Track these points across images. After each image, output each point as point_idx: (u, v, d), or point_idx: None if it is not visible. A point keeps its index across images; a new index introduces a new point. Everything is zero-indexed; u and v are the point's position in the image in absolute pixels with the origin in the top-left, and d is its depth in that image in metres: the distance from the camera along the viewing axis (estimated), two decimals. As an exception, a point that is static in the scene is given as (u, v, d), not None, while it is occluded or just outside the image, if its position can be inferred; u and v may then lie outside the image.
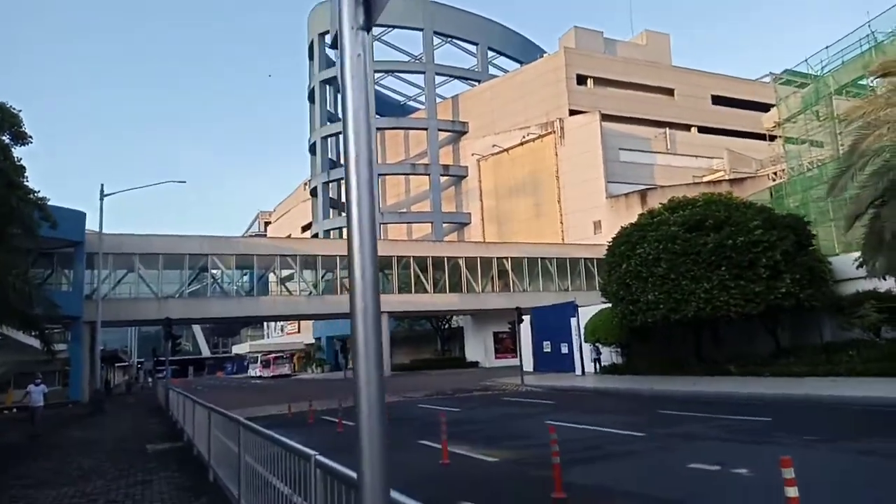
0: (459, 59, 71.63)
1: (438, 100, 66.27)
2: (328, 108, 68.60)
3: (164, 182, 50.47)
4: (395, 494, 2.16)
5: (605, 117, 53.69)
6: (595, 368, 29.01)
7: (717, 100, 62.73)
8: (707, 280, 22.24)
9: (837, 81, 36.65)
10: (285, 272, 44.00)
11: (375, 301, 1.92)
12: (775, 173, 50.33)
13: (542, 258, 48.31)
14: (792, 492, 4.60)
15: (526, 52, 71.31)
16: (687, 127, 60.43)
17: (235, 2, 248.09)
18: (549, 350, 33.37)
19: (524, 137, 57.67)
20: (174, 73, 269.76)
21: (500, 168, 60.56)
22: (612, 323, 26.99)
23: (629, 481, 7.71)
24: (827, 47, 36.61)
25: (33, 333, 20.83)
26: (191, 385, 47.10)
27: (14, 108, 20.86)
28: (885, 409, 12.86)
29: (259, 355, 75.73)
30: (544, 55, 66.38)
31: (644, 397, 19.03)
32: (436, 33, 66.42)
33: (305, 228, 75.78)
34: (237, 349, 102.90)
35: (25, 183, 21.35)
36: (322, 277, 44.57)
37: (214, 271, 40.08)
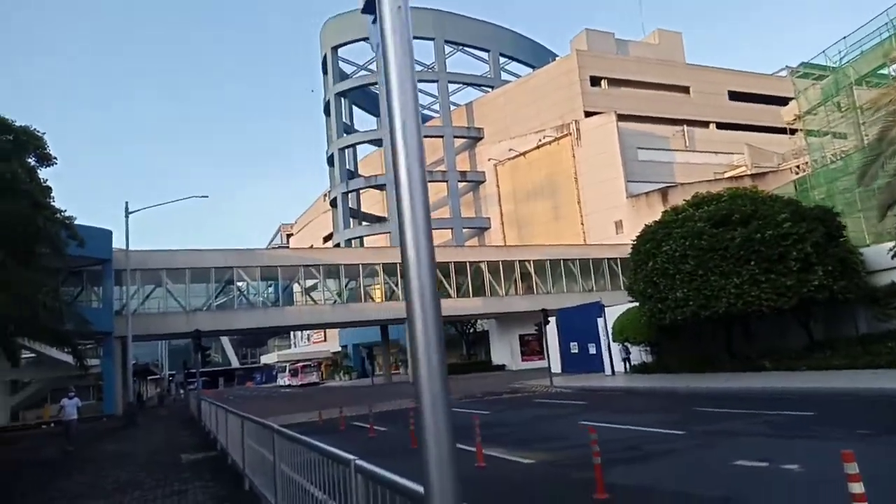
0: (471, 66, 71.82)
1: (453, 107, 66.37)
2: (344, 119, 69.04)
3: (186, 198, 50.94)
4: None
5: (622, 117, 53.24)
6: (625, 368, 28.63)
7: (734, 95, 61.86)
8: (737, 275, 21.82)
9: (857, 71, 35.93)
10: (309, 282, 44.23)
11: (434, 303, 1.79)
12: (798, 166, 49.45)
13: (564, 259, 47.95)
14: (857, 488, 4.38)
15: (537, 56, 71.19)
16: (705, 124, 59.66)
17: (248, 19, 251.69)
18: (576, 351, 33.03)
19: (540, 141, 57.42)
20: (191, 89, 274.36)
21: (517, 172, 60.36)
22: (640, 322, 26.61)
23: (672, 480, 7.50)
24: (844, 37, 35.95)
25: (66, 350, 21.11)
26: (222, 395, 47.47)
27: (38, 131, 21.27)
28: (933, 400, 12.43)
29: (287, 364, 76.25)
30: (556, 58, 66.19)
31: (678, 395, 18.68)
32: (447, 42, 66.58)
33: (327, 239, 76.25)
34: (265, 359, 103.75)
35: (51, 203, 21.76)
36: (346, 286, 44.73)
37: (240, 284, 40.45)
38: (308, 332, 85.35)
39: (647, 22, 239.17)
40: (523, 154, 58.99)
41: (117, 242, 33.68)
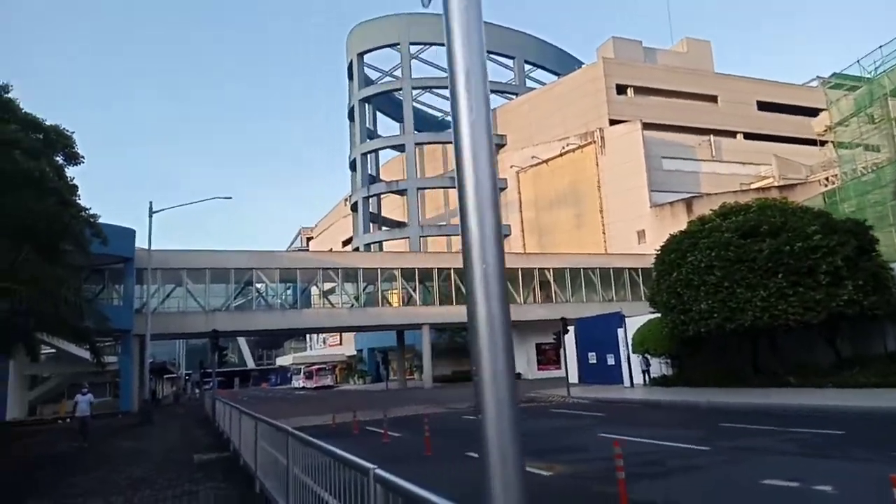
0: (496, 73, 71.60)
1: (476, 113, 66.16)
2: (367, 125, 69.32)
3: (210, 199, 51.51)
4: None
5: (647, 126, 52.64)
6: (644, 380, 28.09)
7: (763, 105, 60.93)
8: (764, 288, 21.27)
9: (893, 82, 35.12)
10: (327, 285, 44.32)
11: (501, 296, 1.48)
12: (827, 178, 48.47)
13: (584, 268, 47.43)
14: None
15: (563, 64, 70.87)
16: (732, 134, 58.80)
17: (274, 23, 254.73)
18: (594, 361, 32.52)
19: (564, 148, 57.00)
20: (217, 92, 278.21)
21: (539, 180, 59.98)
22: (661, 333, 26.09)
23: (699, 498, 7.17)
24: (880, 47, 35.21)
25: (85, 346, 21.24)
26: (237, 396, 47.69)
27: (67, 130, 21.50)
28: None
29: (302, 367, 76.42)
30: (582, 66, 65.81)
31: (700, 409, 18.19)
32: (472, 48, 66.44)
33: (346, 243, 76.50)
34: (281, 361, 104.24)
35: (77, 201, 21.98)
36: (363, 290, 44.69)
37: (259, 285, 40.61)
38: (324, 335, 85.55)
39: (676, 30, 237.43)
40: (546, 161, 58.62)
41: (140, 242, 34.00)
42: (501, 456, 1.35)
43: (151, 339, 32.34)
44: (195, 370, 70.34)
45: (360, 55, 67.35)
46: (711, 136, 56.39)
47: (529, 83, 70.94)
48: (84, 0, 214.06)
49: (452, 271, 44.74)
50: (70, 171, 21.76)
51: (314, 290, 45.67)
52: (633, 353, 28.67)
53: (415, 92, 68.26)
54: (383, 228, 69.46)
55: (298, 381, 73.72)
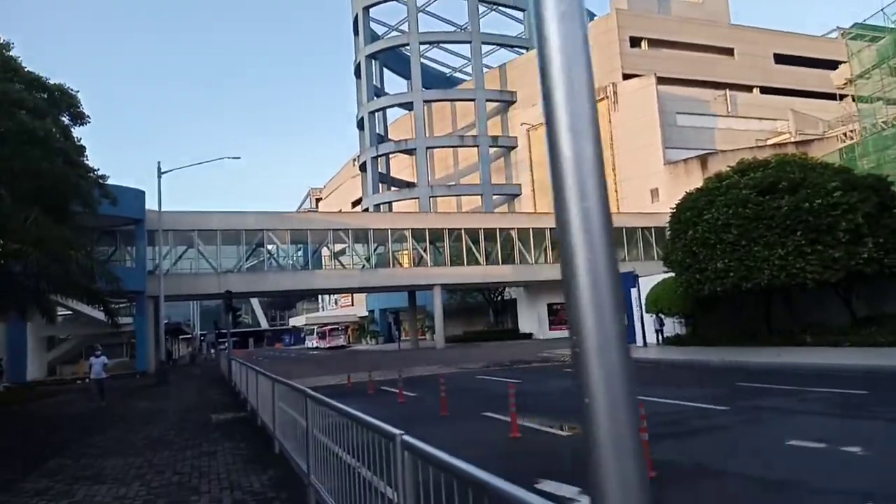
0: (505, 26, 69.98)
1: (485, 70, 64.80)
2: (374, 82, 68.07)
3: (218, 158, 51.22)
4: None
5: (661, 80, 51.28)
6: (657, 339, 28.05)
7: (781, 58, 59.12)
8: (781, 246, 20.92)
9: (919, 32, 33.85)
10: (338, 246, 44.25)
11: (608, 251, 1.14)
12: (845, 134, 47.31)
13: (596, 228, 46.94)
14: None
15: (576, 16, 68.73)
16: (749, 88, 57.29)
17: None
18: (606, 321, 32.44)
19: (576, 104, 55.78)
20: (219, 53, 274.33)
21: (550, 137, 58.96)
22: (675, 293, 25.88)
23: (723, 459, 7.05)
24: (906, -5, 33.73)
25: (99, 307, 21.36)
26: (251, 356, 48.32)
27: (72, 89, 21.13)
28: None
29: (315, 327, 77.26)
30: (595, 18, 63.91)
31: (716, 368, 18.10)
32: (481, 1, 64.72)
33: (356, 204, 76.19)
34: (294, 321, 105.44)
35: (85, 161, 21.76)
36: (374, 251, 44.63)
37: (270, 246, 40.61)
38: (336, 296, 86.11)
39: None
40: (557, 119, 57.51)
41: (149, 204, 33.91)
42: (615, 448, 1.09)
43: (165, 300, 32.56)
44: (210, 330, 71.27)
45: (366, 9, 65.66)
46: (727, 90, 54.98)
47: (540, 37, 69.02)
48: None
49: (463, 231, 44.49)
50: (76, 132, 21.52)
51: (325, 252, 45.68)
52: (647, 312, 28.54)
53: (422, 48, 66.70)
54: (392, 189, 68.98)
55: (312, 342, 74.65)
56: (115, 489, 7.05)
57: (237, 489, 6.73)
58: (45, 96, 20.19)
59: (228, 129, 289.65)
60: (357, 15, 66.22)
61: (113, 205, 22.54)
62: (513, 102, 63.20)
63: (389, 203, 65.01)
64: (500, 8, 68.01)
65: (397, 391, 15.40)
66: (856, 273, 20.67)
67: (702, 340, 25.21)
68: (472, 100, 62.58)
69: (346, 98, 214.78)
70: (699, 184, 28.54)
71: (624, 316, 1.16)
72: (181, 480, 7.31)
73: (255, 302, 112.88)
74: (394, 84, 75.02)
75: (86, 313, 29.05)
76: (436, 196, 63.18)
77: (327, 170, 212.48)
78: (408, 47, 64.85)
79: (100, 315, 25.37)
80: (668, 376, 17.13)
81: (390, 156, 69.00)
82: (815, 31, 64.73)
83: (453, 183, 66.28)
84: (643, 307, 28.80)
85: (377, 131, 67.53)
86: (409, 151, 65.00)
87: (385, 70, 72.41)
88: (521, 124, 60.82)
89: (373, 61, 67.65)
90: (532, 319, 50.75)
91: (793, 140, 49.92)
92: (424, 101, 63.82)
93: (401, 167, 71.33)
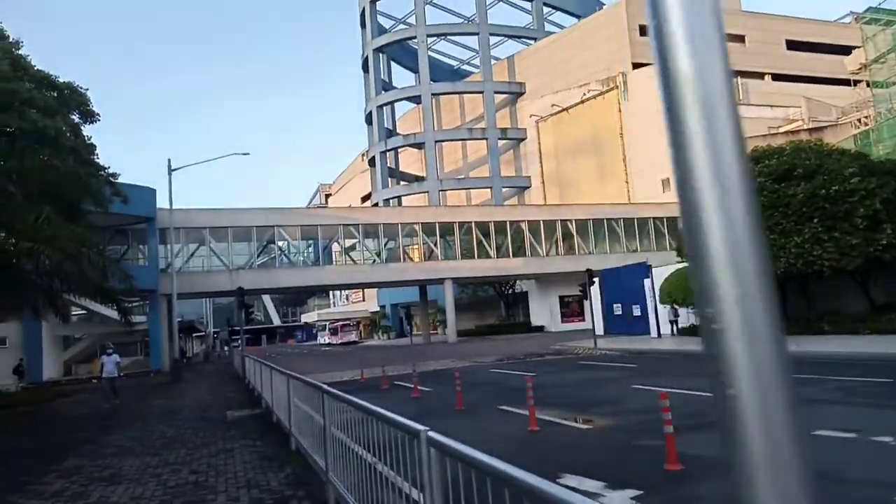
0: (513, 17, 69.47)
1: (493, 61, 64.37)
2: (382, 76, 67.84)
3: (228, 155, 51.44)
4: None
5: (672, 68, 50.60)
6: (672, 330, 27.80)
7: (792, 45, 58.28)
8: (798, 233, 20.64)
9: (936, 14, 33.21)
10: (348, 242, 44.23)
11: (754, 229, 0.90)
12: (859, 120, 46.58)
13: (607, 219, 46.68)
14: None
15: (583, 5, 68.17)
16: (760, 75, 56.49)
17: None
18: (619, 312, 32.22)
19: (585, 95, 55.39)
20: (228, 51, 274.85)
21: (560, 128, 58.59)
22: (690, 282, 25.54)
23: (749, 451, 6.85)
24: (922, -23, 33.05)
25: (112, 306, 21.43)
26: (264, 353, 48.44)
27: (81, 88, 21.13)
28: None
29: (327, 323, 77.44)
30: (603, 7, 63.31)
31: (733, 359, 17.81)
32: (489, -9, 64.33)
33: (365, 199, 76.13)
34: (306, 318, 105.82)
35: (96, 160, 21.77)
36: (385, 246, 44.55)
37: (281, 243, 40.64)
38: (347, 291, 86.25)
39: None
40: (566, 109, 57.13)
41: (160, 203, 34.01)
42: (771, 457, 0.88)
43: (178, 298, 32.69)
44: (223, 328, 71.65)
45: (373, 2, 65.40)
46: (738, 77, 54.19)
47: (548, 27, 68.56)
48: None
49: (473, 224, 44.29)
50: (86, 130, 21.52)
51: (335, 247, 45.67)
52: (661, 303, 28.27)
53: (430, 40, 66.34)
54: (402, 183, 68.82)
55: (324, 338, 74.83)
56: (132, 489, 6.98)
57: (254, 487, 6.65)
58: (55, 95, 20.20)
59: (237, 126, 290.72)
60: (364, 8, 66.00)
61: (124, 203, 22.57)
62: (521, 94, 62.79)
63: (399, 197, 64.89)
64: (507, -2, 67.60)
65: (411, 386, 15.30)
66: (874, 260, 20.36)
67: (717, 330, 24.87)
68: (481, 92, 62.24)
69: (355, 93, 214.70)
70: (712, 172, 28.10)
71: (774, 300, 0.95)
72: (198, 479, 7.24)
73: (266, 299, 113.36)
74: (401, 78, 74.91)
75: (100, 312, 29.21)
76: (445, 190, 62.99)
77: (336, 165, 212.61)
78: (415, 40, 64.52)
79: (113, 314, 25.46)
80: (686, 367, 16.89)
81: (399, 150, 68.83)
82: (828, 17, 63.59)
83: (462, 176, 66.03)
84: (657, 298, 28.54)
85: (385, 126, 67.38)
86: (418, 145, 64.81)
87: (393, 64, 72.17)
88: (531, 116, 60.47)
89: (380, 55, 67.42)
90: (544, 312, 50.53)
91: (805, 127, 49.19)
92: (432, 95, 63.54)
93: (410, 161, 71.15)
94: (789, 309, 24.07)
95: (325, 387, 5.70)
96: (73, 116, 21.02)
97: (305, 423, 7.21)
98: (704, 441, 7.52)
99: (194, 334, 71.03)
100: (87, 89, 21.17)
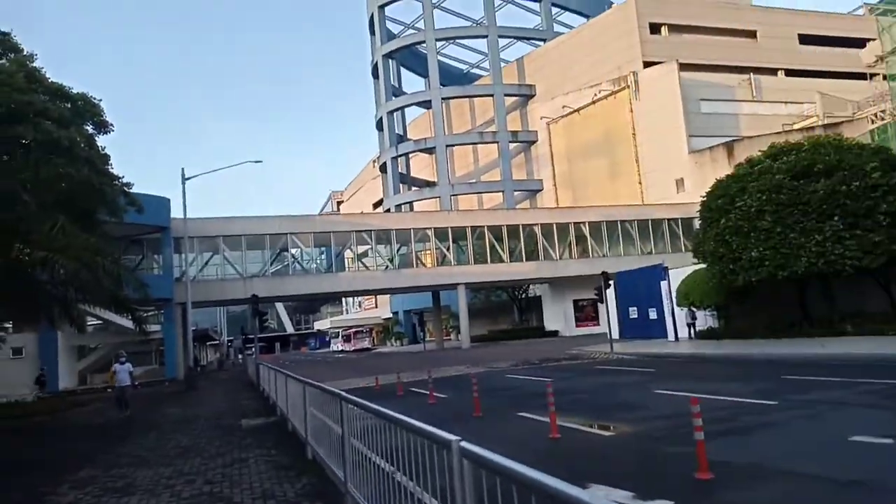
0: (521, 18, 69.26)
1: (503, 64, 64.22)
2: (392, 82, 67.91)
3: (241, 163, 51.54)
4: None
5: (683, 66, 50.17)
6: (689, 334, 27.29)
7: (806, 39, 57.55)
8: (818, 232, 20.21)
9: (954, 4, 32.66)
10: (361, 248, 44.15)
11: None
12: (876, 114, 45.85)
13: (621, 221, 46.25)
14: None
15: (592, 5, 67.91)
16: (773, 71, 55.89)
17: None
18: (635, 316, 31.75)
19: (596, 95, 55.04)
20: (238, 59, 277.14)
21: (571, 130, 58.27)
22: (707, 284, 25.18)
23: (782, 458, 6.59)
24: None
25: (126, 315, 21.44)
26: (278, 360, 48.50)
27: (95, 98, 21.20)
28: None
29: (340, 330, 77.44)
30: (612, 6, 62.95)
31: (756, 361, 17.45)
32: (496, -7, 64.23)
33: (377, 205, 76.17)
34: (319, 325, 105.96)
35: (110, 170, 21.82)
36: (397, 251, 44.44)
37: (294, 250, 40.66)
38: (360, 298, 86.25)
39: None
40: (577, 111, 56.80)
41: (175, 212, 34.15)
42: None
43: (192, 306, 32.75)
44: (237, 336, 71.83)
45: (381, 7, 65.50)
46: (751, 74, 53.70)
47: (557, 28, 68.32)
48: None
49: (486, 229, 44.06)
50: (100, 141, 21.59)
51: (348, 254, 45.63)
52: (678, 306, 27.85)
53: (439, 44, 66.34)
54: (413, 189, 68.76)
55: (337, 345, 74.83)
56: (146, 500, 6.84)
57: (271, 498, 6.47)
58: (69, 106, 20.28)
59: (249, 134, 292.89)
60: (373, 14, 66.15)
61: (139, 212, 22.57)
62: (532, 96, 62.56)
63: (410, 203, 64.81)
64: (515, 0, 67.42)
65: (427, 392, 15.09)
66: (898, 258, 19.89)
67: (737, 333, 24.47)
68: (491, 95, 62.09)
69: (365, 99, 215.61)
70: (725, 172, 27.82)
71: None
72: (212, 490, 7.08)
73: (280, 306, 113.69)
74: (411, 83, 74.89)
75: (115, 322, 29.31)
76: (457, 194, 62.85)
77: (348, 173, 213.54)
78: (424, 45, 64.56)
79: (128, 323, 25.54)
80: (707, 371, 16.56)
81: (410, 155, 68.82)
82: (841, 9, 62.85)
83: (474, 180, 65.85)
84: (674, 300, 28.13)
85: (396, 131, 67.41)
86: (429, 150, 64.73)
87: (402, 69, 72.27)
88: (541, 118, 60.20)
89: (390, 61, 67.52)
90: (558, 316, 50.13)
91: (821, 123, 48.53)
92: (443, 99, 63.49)
93: (421, 166, 71.12)
94: (809, 309, 23.62)
95: (343, 394, 5.52)
96: (88, 127, 21.08)
97: (322, 432, 7.03)
98: (734, 448, 7.27)
99: (208, 343, 71.41)
100: (101, 100, 21.23)
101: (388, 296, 69.64)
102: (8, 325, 23.30)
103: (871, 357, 14.96)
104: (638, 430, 8.99)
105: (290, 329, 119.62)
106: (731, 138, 47.67)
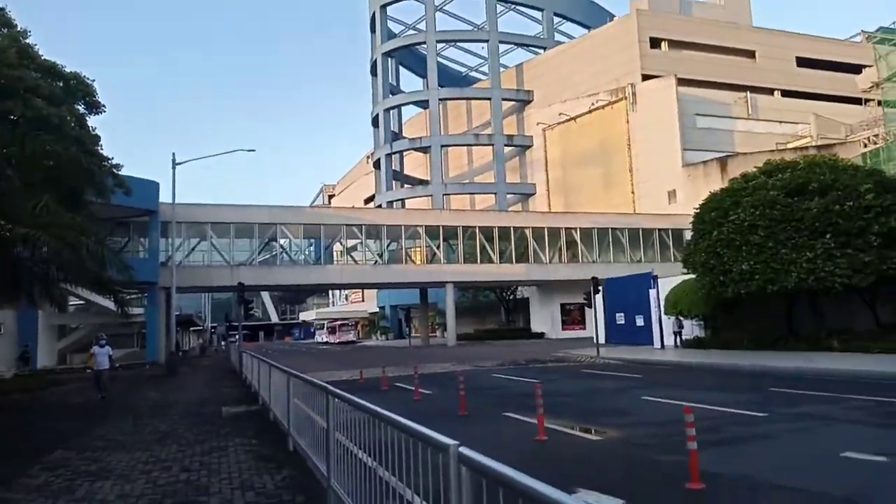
0: (523, 26, 69.24)
1: (502, 69, 64.18)
2: (390, 80, 67.66)
3: (233, 151, 51.12)
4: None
5: (681, 81, 50.48)
6: (675, 342, 27.36)
7: (803, 62, 58.12)
8: (810, 249, 20.28)
9: (948, 36, 33.04)
10: (351, 242, 43.87)
11: None
12: (868, 138, 46.31)
13: (612, 228, 46.31)
14: None
15: (593, 17, 68.13)
16: (770, 91, 56.32)
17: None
18: (622, 322, 31.82)
19: (593, 105, 55.14)
20: (235, 48, 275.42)
21: (567, 137, 58.33)
22: (696, 294, 25.21)
23: (774, 471, 6.48)
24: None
25: (109, 297, 21.08)
26: (262, 349, 48.00)
27: (88, 78, 20.81)
28: None
29: (325, 322, 77.07)
30: (614, 19, 63.14)
31: (743, 373, 17.45)
32: (499, 0, 64.20)
33: (368, 200, 75.86)
34: (304, 316, 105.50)
35: (100, 151, 21.43)
36: (387, 247, 44.19)
37: (283, 240, 40.31)
38: (347, 291, 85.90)
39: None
40: (574, 118, 56.86)
41: (164, 197, 33.68)
42: None
43: (177, 291, 32.31)
44: (220, 323, 71.24)
45: (383, 7, 65.31)
46: (748, 92, 54.04)
47: (558, 37, 68.48)
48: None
49: (477, 229, 43.93)
50: (91, 121, 21.20)
51: (337, 247, 45.31)
52: (666, 314, 27.89)
53: (439, 46, 66.21)
54: (406, 186, 68.53)
55: (322, 336, 74.52)
56: (120, 486, 6.60)
57: (249, 489, 6.27)
58: (61, 84, 19.90)
59: (243, 125, 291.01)
60: (374, 13, 65.87)
61: (127, 195, 22.16)
62: (529, 102, 62.58)
63: (402, 200, 64.57)
64: (518, 7, 67.42)
65: (412, 388, 14.92)
66: (889, 278, 20.00)
67: (723, 344, 24.55)
68: (488, 98, 62.03)
69: (362, 96, 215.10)
70: (718, 186, 27.94)
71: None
72: (189, 478, 6.86)
73: (265, 296, 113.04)
74: (409, 82, 74.67)
75: (97, 303, 28.86)
76: (449, 194, 62.70)
77: (341, 167, 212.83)
78: (424, 46, 64.39)
79: (111, 305, 25.15)
80: (694, 380, 16.52)
81: (404, 153, 68.59)
82: (838, 35, 63.48)
83: (467, 181, 65.75)
84: (662, 309, 28.16)
85: (392, 129, 67.15)
86: (424, 149, 64.53)
87: (401, 68, 72.03)
88: (537, 124, 60.22)
89: (389, 59, 67.28)
90: (545, 319, 50.13)
91: (814, 144, 48.97)
92: (440, 100, 63.35)
93: (415, 165, 70.89)
94: (796, 324, 23.71)
95: (331, 388, 5.33)
96: (79, 107, 20.69)
97: (305, 424, 6.84)
98: (724, 459, 7.16)
99: (192, 328, 70.68)
100: (94, 80, 20.88)
101: (376, 290, 69.37)
102: (-14, 302, 22.83)
103: (857, 373, 14.98)
104: (626, 435, 8.87)
105: (274, 318, 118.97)
106: (724, 154, 47.98)
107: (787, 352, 21.16)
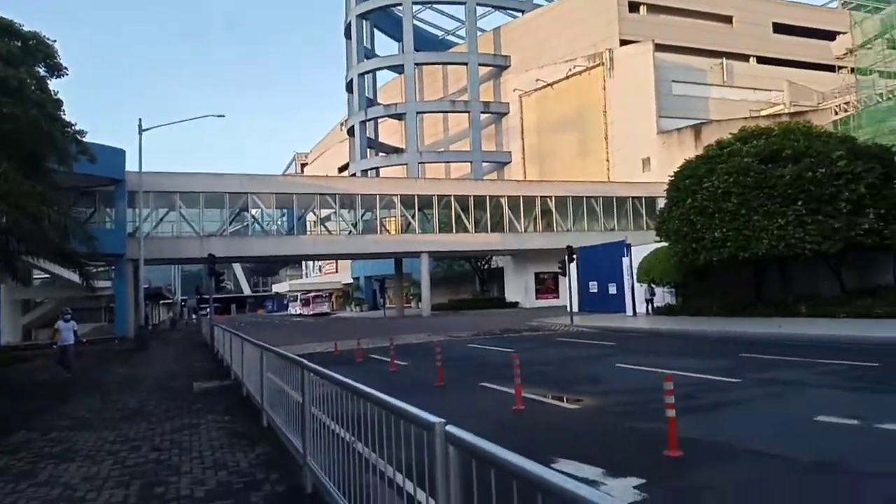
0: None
1: (479, 33, 63.07)
2: (365, 44, 66.10)
3: (202, 116, 49.69)
4: None
5: (658, 47, 50.19)
6: (647, 310, 27.74)
7: (779, 28, 58.23)
8: (782, 216, 20.51)
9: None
10: (324, 212, 43.27)
11: None
12: (840, 106, 46.83)
13: (587, 197, 46.42)
14: None
15: (572, -22, 66.89)
16: (745, 57, 56.44)
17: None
18: (595, 290, 32.11)
19: (570, 70, 54.66)
20: (204, 13, 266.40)
21: (543, 104, 57.89)
22: (668, 262, 25.45)
23: (750, 437, 6.51)
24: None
25: (74, 270, 20.44)
26: (233, 322, 47.57)
27: (49, 39, 19.83)
28: None
29: (299, 294, 76.50)
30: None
31: (712, 339, 17.72)
32: (477, -39, 62.70)
33: (342, 169, 74.81)
34: (277, 288, 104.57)
35: (62, 116, 20.55)
36: (361, 217, 43.73)
37: (254, 210, 39.55)
38: (320, 262, 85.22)
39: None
40: (551, 85, 56.36)
41: (130, 165, 32.61)
42: None
43: (145, 263, 31.54)
44: (191, 295, 70.24)
45: (357, -33, 63.33)
46: (724, 59, 54.05)
47: (537, 0, 67.32)
48: None
49: (453, 198, 43.65)
50: (53, 85, 20.27)
51: (310, 217, 44.71)
52: (638, 282, 28.17)
53: (415, 8, 64.64)
54: (380, 154, 67.61)
55: (295, 308, 74.01)
56: (86, 467, 6.37)
57: (222, 468, 6.09)
58: (19, 44, 18.93)
59: (212, 90, 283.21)
60: (347, -27, 63.89)
61: (91, 162, 21.39)
62: (506, 67, 61.77)
63: (377, 169, 63.78)
64: (494, -31, 65.99)
65: (387, 360, 14.83)
66: (856, 244, 20.36)
67: (694, 310, 24.93)
68: (465, 63, 61.04)
69: (336, 61, 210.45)
70: (691, 154, 28.01)
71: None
72: (160, 458, 6.65)
73: (237, 267, 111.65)
74: (385, 46, 73.08)
75: (63, 276, 28.07)
76: (424, 162, 62.03)
77: (314, 135, 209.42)
78: (400, 7, 62.83)
79: (77, 278, 24.47)
80: (666, 347, 16.72)
81: (379, 121, 67.49)
82: (815, 1, 63.56)
83: (442, 149, 65.09)
84: (634, 277, 28.42)
85: (367, 95, 65.85)
86: (399, 116, 63.53)
87: (376, 31, 70.37)
88: (514, 90, 59.62)
89: (364, 21, 65.62)
90: (519, 288, 50.43)
91: (787, 111, 49.35)
92: (416, 64, 62.15)
93: (389, 132, 69.85)
94: (765, 290, 24.16)
95: (305, 362, 5.14)
96: (39, 69, 19.76)
97: (279, 399, 6.66)
98: (701, 425, 7.18)
99: (161, 301, 69.56)
100: (55, 41, 19.89)
101: (350, 261, 68.90)
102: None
103: (826, 338, 15.30)
104: (602, 403, 8.88)
105: (247, 291, 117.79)
106: (699, 121, 48.10)
107: (755, 318, 21.54)
